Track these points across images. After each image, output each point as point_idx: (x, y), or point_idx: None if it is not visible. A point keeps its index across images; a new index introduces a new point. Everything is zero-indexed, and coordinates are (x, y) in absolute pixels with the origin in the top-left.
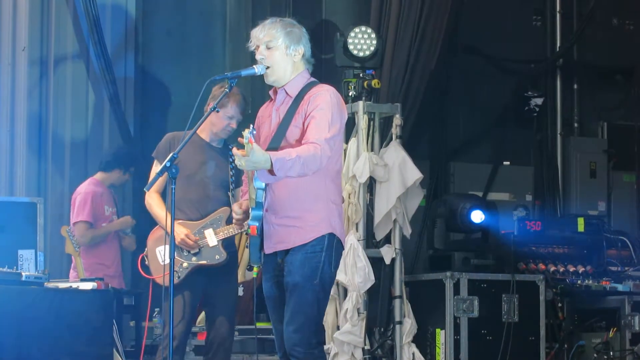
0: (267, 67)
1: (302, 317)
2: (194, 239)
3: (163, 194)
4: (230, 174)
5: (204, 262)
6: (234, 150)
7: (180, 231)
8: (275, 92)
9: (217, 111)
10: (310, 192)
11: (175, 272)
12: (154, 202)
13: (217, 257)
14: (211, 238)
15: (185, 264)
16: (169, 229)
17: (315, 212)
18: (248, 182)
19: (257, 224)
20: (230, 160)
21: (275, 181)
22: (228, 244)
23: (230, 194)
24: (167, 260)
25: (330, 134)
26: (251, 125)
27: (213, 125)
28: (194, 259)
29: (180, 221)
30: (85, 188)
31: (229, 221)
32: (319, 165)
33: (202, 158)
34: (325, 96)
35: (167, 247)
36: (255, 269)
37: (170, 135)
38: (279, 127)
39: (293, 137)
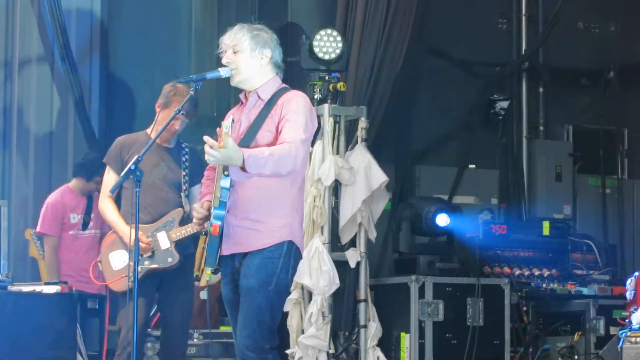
0: (234, 70)
1: (255, 322)
2: (147, 242)
3: (116, 199)
4: (182, 174)
5: (156, 265)
6: (206, 139)
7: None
8: (246, 97)
9: (183, 113)
10: (274, 197)
11: (126, 278)
12: (107, 207)
13: (169, 259)
14: (164, 241)
15: (139, 268)
16: (125, 234)
17: (277, 218)
18: (215, 180)
19: (220, 223)
20: (183, 160)
21: (247, 178)
22: (182, 246)
23: (183, 194)
24: (120, 266)
25: (305, 136)
26: (231, 117)
27: (159, 124)
28: (146, 262)
29: (133, 224)
30: (50, 198)
31: (182, 223)
32: (293, 165)
33: (153, 160)
34: (299, 101)
35: (121, 252)
36: (208, 272)
37: (121, 139)
38: (248, 129)
39: (264, 140)
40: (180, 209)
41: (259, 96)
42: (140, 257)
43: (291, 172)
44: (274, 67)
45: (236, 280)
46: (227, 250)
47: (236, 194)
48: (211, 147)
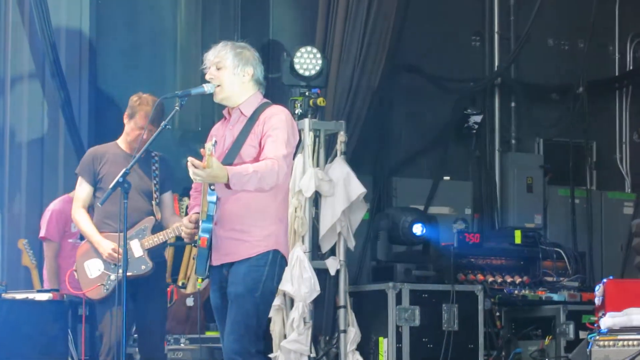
0: (218, 86)
1: (242, 327)
2: (118, 252)
3: (89, 210)
4: (153, 182)
5: (130, 273)
6: (192, 160)
7: (107, 245)
8: (229, 112)
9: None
10: (259, 209)
11: (102, 286)
12: (81, 217)
13: (142, 267)
14: (137, 249)
15: (112, 277)
16: (99, 243)
17: (262, 228)
18: (202, 195)
19: (207, 236)
20: (153, 168)
21: (232, 194)
22: (155, 254)
23: (154, 202)
24: (95, 274)
25: (287, 151)
26: (214, 138)
27: (127, 134)
28: (120, 271)
29: (105, 233)
30: (54, 205)
31: (154, 231)
32: (276, 180)
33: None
34: (281, 117)
35: (95, 260)
36: (199, 280)
37: (92, 150)
38: (233, 145)
39: (248, 155)
40: (152, 217)
41: (241, 112)
42: (113, 266)
43: (274, 187)
44: (255, 83)
45: (224, 287)
46: (216, 260)
47: (222, 208)
48: (196, 167)
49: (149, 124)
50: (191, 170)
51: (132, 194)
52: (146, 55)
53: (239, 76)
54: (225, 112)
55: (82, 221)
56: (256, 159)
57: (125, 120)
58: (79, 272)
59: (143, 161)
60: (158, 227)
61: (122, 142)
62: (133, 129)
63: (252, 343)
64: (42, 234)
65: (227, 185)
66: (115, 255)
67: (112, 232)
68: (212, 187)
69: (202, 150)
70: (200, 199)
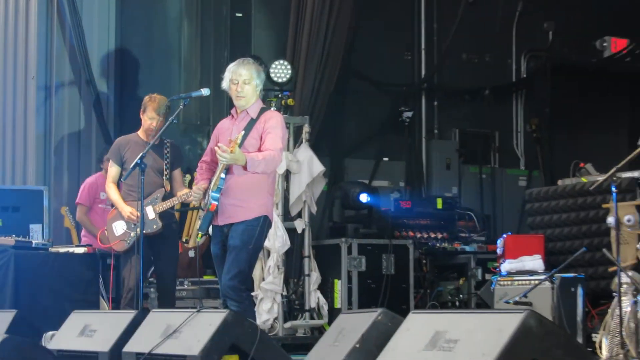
0: (243, 97)
1: (236, 268)
2: (137, 214)
3: (118, 184)
4: (164, 163)
5: (145, 231)
6: (220, 146)
7: (127, 209)
8: (236, 112)
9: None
10: (256, 185)
11: (124, 241)
12: (111, 190)
13: (154, 226)
14: (150, 213)
15: (132, 234)
16: (124, 209)
17: (257, 199)
18: (217, 172)
19: (216, 203)
20: (165, 152)
21: (245, 174)
22: (165, 216)
23: (164, 178)
24: (120, 232)
25: (282, 145)
26: (242, 132)
27: (142, 126)
28: (138, 230)
29: (129, 202)
30: (89, 179)
31: (164, 199)
32: (276, 166)
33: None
34: (278, 119)
35: (121, 222)
36: (199, 236)
37: (119, 139)
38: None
39: (250, 145)
40: (163, 189)
41: (248, 113)
42: (133, 226)
43: (272, 171)
44: (260, 93)
45: (224, 241)
46: (221, 221)
47: (228, 183)
48: (223, 151)
49: (157, 115)
50: (219, 153)
51: (148, 172)
52: (158, 66)
53: (257, 90)
54: (233, 111)
55: (112, 193)
56: (258, 150)
57: (141, 115)
58: (109, 230)
59: (157, 147)
60: (168, 196)
61: (140, 132)
62: (146, 121)
63: (242, 282)
64: (77, 200)
65: (244, 167)
66: (134, 217)
67: (134, 200)
68: (225, 168)
69: (229, 139)
70: (206, 176)
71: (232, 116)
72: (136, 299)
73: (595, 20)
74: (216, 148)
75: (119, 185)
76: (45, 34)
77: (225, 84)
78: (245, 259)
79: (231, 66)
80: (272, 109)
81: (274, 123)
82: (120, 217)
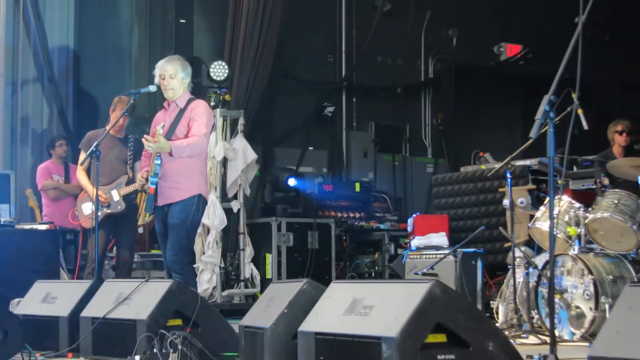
0: (171, 89)
1: (177, 245)
2: (105, 197)
3: (87, 170)
4: (128, 154)
5: (110, 211)
6: (146, 137)
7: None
8: (168, 104)
9: (126, 115)
10: (188, 168)
11: (91, 219)
12: (81, 175)
13: (119, 207)
14: (115, 195)
15: (99, 213)
16: (91, 192)
17: (190, 180)
18: (151, 159)
19: (154, 187)
20: (129, 145)
21: (172, 159)
22: (128, 199)
23: (128, 167)
24: (88, 212)
25: (206, 130)
26: (162, 123)
27: (111, 122)
28: (105, 209)
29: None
30: (40, 165)
31: (127, 184)
32: (200, 150)
33: (110, 145)
34: (202, 107)
35: (89, 203)
36: (147, 216)
37: (90, 133)
38: (170, 126)
39: (180, 132)
40: (126, 175)
41: (177, 104)
42: (100, 206)
43: (199, 154)
44: (188, 85)
45: (165, 220)
46: (160, 202)
47: (164, 168)
48: (149, 141)
49: (124, 115)
50: (145, 143)
51: (114, 161)
52: (111, 65)
53: (183, 83)
54: (165, 103)
55: (81, 178)
56: (186, 136)
57: (110, 113)
58: (78, 210)
59: (123, 140)
60: (130, 182)
61: (108, 127)
62: (114, 118)
63: (184, 256)
64: (39, 187)
65: (170, 154)
66: (101, 199)
67: (101, 184)
68: (158, 155)
69: (153, 129)
70: (149, 162)
71: (165, 108)
72: (96, 270)
73: (494, 28)
74: (143, 139)
75: (88, 172)
76: (12, 36)
77: (156, 79)
78: (185, 235)
79: (159, 63)
80: (200, 99)
81: (200, 111)
82: (89, 199)
